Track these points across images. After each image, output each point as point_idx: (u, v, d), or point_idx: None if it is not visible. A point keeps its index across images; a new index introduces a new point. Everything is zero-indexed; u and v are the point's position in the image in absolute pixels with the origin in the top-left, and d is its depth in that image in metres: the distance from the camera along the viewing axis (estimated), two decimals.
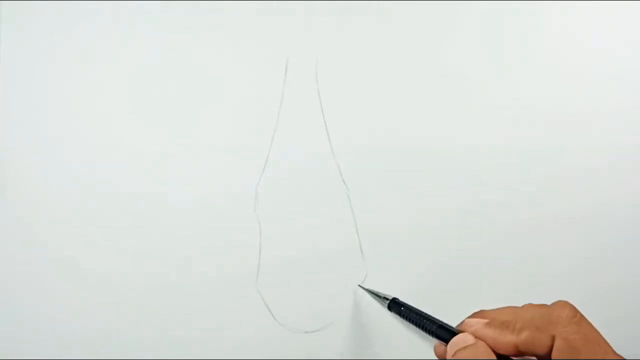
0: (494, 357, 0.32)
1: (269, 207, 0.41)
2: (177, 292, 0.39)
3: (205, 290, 0.39)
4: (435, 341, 0.36)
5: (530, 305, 0.34)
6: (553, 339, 0.31)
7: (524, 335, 0.32)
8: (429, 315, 0.36)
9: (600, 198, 0.41)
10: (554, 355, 0.31)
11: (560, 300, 0.32)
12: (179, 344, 0.39)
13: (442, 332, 0.35)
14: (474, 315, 0.36)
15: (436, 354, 0.35)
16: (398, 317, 0.38)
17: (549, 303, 0.33)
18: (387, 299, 0.38)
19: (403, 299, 0.38)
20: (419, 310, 0.37)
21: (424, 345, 0.39)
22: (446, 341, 0.34)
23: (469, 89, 0.42)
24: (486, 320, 0.34)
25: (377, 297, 0.39)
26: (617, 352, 0.32)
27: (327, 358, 0.39)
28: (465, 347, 0.32)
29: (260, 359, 0.39)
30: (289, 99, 0.42)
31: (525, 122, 0.42)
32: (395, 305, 0.38)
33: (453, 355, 0.33)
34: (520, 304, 0.33)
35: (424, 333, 0.36)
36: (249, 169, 0.41)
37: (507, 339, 0.32)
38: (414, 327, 0.37)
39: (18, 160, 0.40)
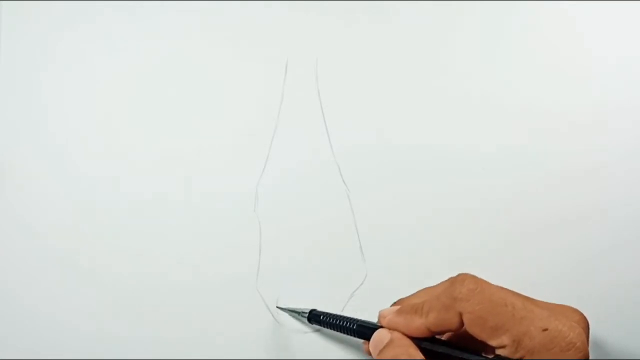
0: (413, 347, 0.32)
1: (269, 207, 0.41)
2: (177, 292, 0.39)
3: (205, 290, 0.39)
4: (361, 342, 0.36)
5: (439, 284, 0.34)
6: (460, 315, 0.31)
7: (432, 316, 0.32)
8: (349, 317, 0.36)
9: (601, 198, 0.41)
10: (467, 329, 0.31)
11: (460, 274, 0.32)
12: (179, 344, 0.39)
13: (362, 330, 0.35)
14: (393, 304, 0.36)
15: (364, 352, 0.36)
16: (321, 328, 0.38)
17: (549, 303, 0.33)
18: (304, 312, 0.38)
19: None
20: (339, 315, 0.37)
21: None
22: (368, 338, 0.34)
23: (470, 89, 0.42)
24: (397, 308, 0.34)
25: (294, 314, 0.39)
26: (620, 352, 0.32)
27: (327, 358, 0.39)
28: (385, 347, 0.33)
29: (260, 359, 0.39)
30: (289, 99, 0.42)
31: (526, 123, 0.42)
32: (315, 317, 0.38)
33: (376, 357, 0.33)
34: None
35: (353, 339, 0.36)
36: (249, 169, 0.41)
37: (417, 323, 0.32)
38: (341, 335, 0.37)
39: (18, 160, 0.40)
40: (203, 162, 0.41)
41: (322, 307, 0.39)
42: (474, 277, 0.32)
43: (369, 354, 0.35)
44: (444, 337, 0.34)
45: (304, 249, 0.40)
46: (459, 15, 0.43)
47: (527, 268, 0.40)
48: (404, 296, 0.36)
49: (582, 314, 0.32)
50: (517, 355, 0.29)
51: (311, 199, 0.41)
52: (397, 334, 0.33)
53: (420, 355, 0.31)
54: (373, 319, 0.37)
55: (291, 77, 0.42)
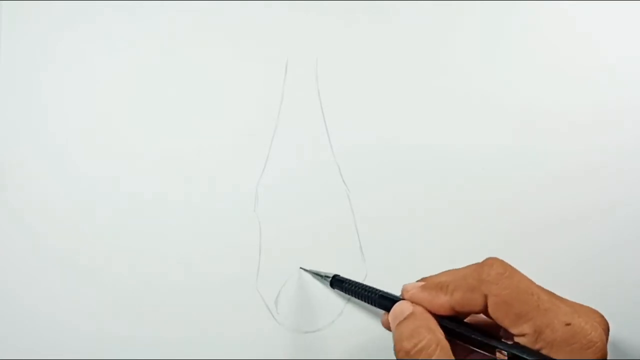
0: (433, 322, 0.32)
1: (269, 207, 0.41)
2: (177, 292, 0.39)
3: (205, 290, 0.39)
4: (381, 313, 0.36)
5: (466, 266, 0.34)
6: (486, 297, 0.31)
7: (457, 295, 0.32)
8: (371, 287, 0.37)
9: (601, 198, 0.41)
10: (489, 311, 0.31)
11: (489, 258, 0.32)
12: (179, 344, 0.39)
13: (383, 301, 0.35)
14: (417, 282, 0.36)
15: (383, 326, 0.36)
16: (350, 321, 0.38)
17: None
18: (327, 277, 0.39)
19: None
20: (361, 284, 0.37)
21: None
22: (389, 310, 0.34)
23: (470, 89, 0.42)
24: (422, 283, 0.34)
25: (318, 277, 0.39)
26: (626, 352, 0.32)
27: (327, 358, 0.39)
28: (405, 319, 0.33)
29: (260, 359, 0.39)
30: (289, 99, 0.42)
31: (526, 123, 0.42)
32: (337, 282, 0.38)
33: (394, 329, 0.33)
34: None
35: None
36: (249, 169, 0.41)
37: (442, 300, 0.32)
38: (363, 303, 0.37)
39: (18, 160, 0.40)
40: (203, 162, 0.41)
41: (322, 307, 0.39)
42: (503, 261, 0.32)
43: (387, 326, 0.34)
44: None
45: (304, 249, 0.40)
46: (459, 15, 0.43)
47: (527, 268, 0.40)
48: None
49: (603, 316, 0.32)
50: (537, 346, 0.29)
51: (311, 199, 0.41)
52: (419, 308, 0.33)
53: (440, 332, 0.31)
54: (373, 318, 0.38)
55: (291, 77, 0.42)
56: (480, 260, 0.35)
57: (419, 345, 0.30)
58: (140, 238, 0.40)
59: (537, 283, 0.31)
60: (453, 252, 0.40)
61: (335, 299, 0.40)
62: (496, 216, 0.41)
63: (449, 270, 0.36)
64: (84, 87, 0.41)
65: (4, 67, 0.41)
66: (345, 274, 0.40)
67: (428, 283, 0.34)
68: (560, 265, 0.40)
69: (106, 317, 0.39)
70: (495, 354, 0.31)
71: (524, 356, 0.29)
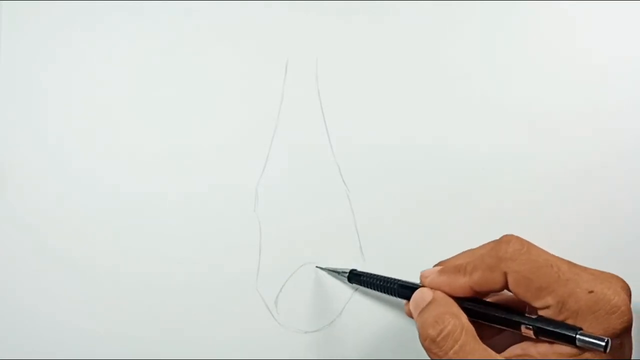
0: (456, 306, 0.32)
1: (269, 207, 0.41)
2: (177, 292, 0.39)
3: (205, 290, 0.39)
4: (403, 303, 0.36)
5: (482, 245, 0.34)
6: (505, 275, 0.31)
7: (476, 275, 0.32)
8: (389, 278, 0.37)
9: (601, 198, 0.41)
10: (510, 288, 0.31)
11: (506, 235, 0.32)
12: (178, 344, 0.39)
13: (403, 290, 0.35)
14: (434, 266, 0.36)
15: (406, 313, 0.36)
16: (350, 321, 0.38)
17: None
18: (345, 272, 0.39)
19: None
20: (379, 275, 0.37)
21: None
22: (409, 299, 0.34)
23: (470, 89, 0.42)
24: (439, 268, 0.34)
25: (335, 274, 0.39)
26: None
27: (327, 358, 0.39)
28: (426, 306, 0.32)
29: (260, 359, 0.39)
30: (289, 99, 0.42)
31: (526, 123, 0.42)
32: (355, 276, 0.38)
33: (417, 317, 0.33)
34: None
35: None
36: (249, 169, 0.41)
37: (461, 282, 0.32)
38: (409, 321, 0.37)
39: (18, 160, 0.40)
40: (203, 161, 0.41)
41: (322, 307, 0.39)
42: (519, 237, 0.32)
43: (410, 314, 0.34)
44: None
45: (304, 249, 0.40)
46: (459, 15, 0.43)
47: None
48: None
49: (624, 282, 0.31)
50: (561, 317, 0.29)
51: (311, 199, 0.41)
52: (439, 293, 0.33)
53: (464, 315, 0.31)
54: (373, 318, 0.38)
55: (291, 77, 0.42)
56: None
57: (445, 331, 0.30)
58: (140, 238, 0.40)
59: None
60: (453, 252, 0.40)
61: (335, 299, 0.40)
62: (496, 216, 0.41)
63: (464, 252, 0.35)
64: (84, 87, 0.41)
65: (4, 67, 0.41)
66: (346, 274, 0.40)
67: (446, 267, 0.34)
68: None
69: (106, 317, 0.39)
70: (520, 330, 0.31)
71: (550, 328, 0.29)
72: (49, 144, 0.40)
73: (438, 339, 0.30)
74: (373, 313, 0.40)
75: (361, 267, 0.40)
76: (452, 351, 0.30)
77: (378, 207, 0.41)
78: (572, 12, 0.43)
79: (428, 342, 0.31)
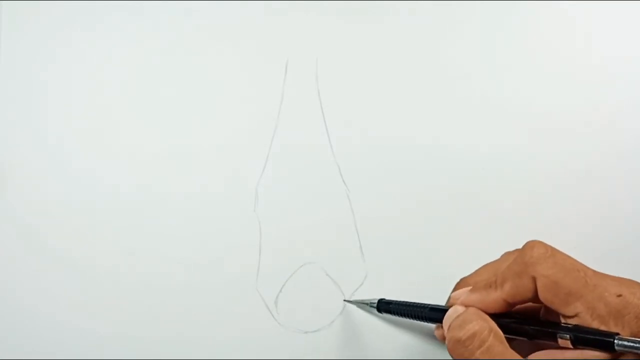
0: (485, 316, 0.31)
1: (269, 207, 0.41)
2: (177, 292, 0.39)
3: (205, 290, 0.39)
4: (434, 327, 0.36)
5: (505, 255, 0.34)
6: (534, 280, 0.31)
7: (507, 286, 0.31)
8: (419, 303, 0.36)
9: (602, 198, 0.41)
10: (540, 295, 0.31)
11: (529, 241, 0.32)
12: (178, 344, 0.39)
13: (434, 314, 0.35)
14: (457, 287, 0.35)
15: (438, 338, 0.35)
16: (391, 316, 0.38)
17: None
18: (373, 303, 0.38)
19: (404, 299, 0.38)
20: (408, 302, 0.37)
21: (424, 345, 0.39)
22: (441, 321, 0.34)
23: (470, 89, 0.42)
24: (469, 287, 0.34)
25: (364, 306, 0.39)
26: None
27: (327, 358, 0.39)
28: (456, 317, 0.32)
29: (260, 359, 0.39)
30: (289, 99, 0.42)
31: (526, 123, 0.42)
32: (384, 305, 0.38)
33: (448, 330, 0.32)
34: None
35: (421, 325, 0.36)
36: (249, 169, 0.41)
37: (493, 297, 0.32)
38: (409, 321, 0.37)
39: (18, 160, 0.40)
40: (203, 161, 0.41)
41: (322, 307, 0.39)
42: (543, 243, 0.32)
43: (442, 338, 0.34)
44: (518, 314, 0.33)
45: (303, 249, 0.40)
46: (459, 15, 0.43)
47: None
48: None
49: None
50: (593, 324, 0.29)
51: (311, 199, 0.41)
52: (472, 308, 0.32)
53: (494, 323, 0.31)
54: (373, 318, 0.38)
55: (291, 77, 0.42)
56: (480, 258, 0.35)
57: (471, 331, 0.30)
58: (140, 238, 0.40)
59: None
60: (453, 252, 0.40)
61: (335, 299, 0.40)
62: (496, 216, 0.41)
63: (486, 266, 0.35)
64: (84, 87, 0.41)
65: (4, 67, 0.41)
66: (346, 273, 0.40)
67: (476, 285, 0.33)
68: None
69: (106, 317, 0.39)
70: (556, 341, 0.30)
71: (588, 336, 0.29)
72: (49, 144, 0.40)
73: (464, 338, 0.30)
74: (373, 313, 0.40)
75: (361, 267, 0.40)
76: (479, 351, 0.29)
77: (378, 207, 0.41)
78: (572, 12, 0.43)
79: (453, 344, 0.30)
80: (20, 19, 0.41)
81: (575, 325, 0.30)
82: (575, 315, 0.30)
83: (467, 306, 0.33)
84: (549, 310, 0.31)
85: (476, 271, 0.36)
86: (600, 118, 0.42)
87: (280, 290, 0.40)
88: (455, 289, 0.36)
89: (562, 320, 0.31)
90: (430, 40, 0.43)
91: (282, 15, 0.42)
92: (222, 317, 0.39)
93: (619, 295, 0.29)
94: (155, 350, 0.39)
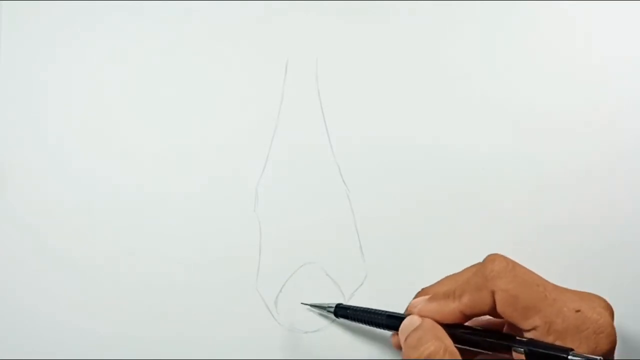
0: (441, 331, 0.32)
1: (269, 207, 0.41)
2: (176, 292, 0.39)
3: (205, 290, 0.39)
4: (389, 334, 0.36)
5: (466, 268, 0.34)
6: (493, 294, 0.31)
7: (465, 298, 0.32)
8: (376, 310, 0.36)
9: (602, 198, 0.41)
10: (498, 308, 0.31)
11: (490, 254, 0.32)
12: (179, 344, 0.39)
13: (391, 321, 0.35)
14: (417, 296, 0.36)
15: (394, 346, 0.35)
16: (347, 321, 0.38)
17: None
18: (330, 307, 0.38)
19: (403, 299, 0.38)
20: (365, 308, 0.37)
21: None
22: (397, 329, 0.34)
23: (470, 89, 0.42)
24: (428, 296, 0.34)
25: (321, 309, 0.39)
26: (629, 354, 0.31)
27: (327, 358, 0.39)
28: (413, 330, 0.32)
29: (260, 359, 0.39)
30: (289, 99, 0.42)
31: (526, 123, 0.42)
32: (342, 310, 0.38)
33: (404, 346, 0.32)
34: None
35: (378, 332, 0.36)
36: (249, 169, 0.41)
37: (451, 308, 0.32)
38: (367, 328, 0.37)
39: (18, 160, 0.40)
40: (203, 161, 0.41)
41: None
42: (504, 256, 0.32)
43: (398, 346, 0.34)
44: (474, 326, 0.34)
45: (303, 249, 0.40)
46: (459, 15, 0.43)
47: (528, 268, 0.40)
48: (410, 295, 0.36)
49: (607, 301, 0.31)
50: (550, 338, 0.29)
51: (311, 199, 0.41)
52: (427, 320, 0.33)
53: (448, 339, 0.31)
54: None
55: (291, 77, 0.42)
56: (480, 259, 0.35)
57: (426, 352, 0.30)
58: (140, 238, 0.40)
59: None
60: (452, 252, 0.40)
61: (335, 299, 0.40)
62: (496, 216, 0.41)
63: (448, 277, 0.36)
64: (84, 87, 0.41)
65: (4, 67, 0.41)
66: (346, 273, 0.40)
67: (435, 294, 0.34)
68: (559, 267, 0.40)
69: (106, 317, 0.39)
70: (511, 354, 0.30)
71: (542, 350, 0.29)
72: (49, 144, 0.40)
73: None
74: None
75: (361, 267, 0.40)
76: None
77: (378, 207, 0.41)
78: (572, 12, 0.43)
79: None
80: (20, 19, 0.41)
81: (530, 339, 0.30)
82: (533, 329, 0.30)
83: (423, 316, 0.33)
84: (511, 325, 0.32)
85: (438, 281, 0.36)
86: (600, 118, 0.42)
87: (280, 290, 0.40)
88: (415, 298, 0.36)
89: (521, 335, 0.31)
90: (430, 40, 0.43)
91: (282, 15, 0.42)
92: (222, 317, 0.39)
93: (578, 311, 0.29)
94: (155, 350, 0.39)
